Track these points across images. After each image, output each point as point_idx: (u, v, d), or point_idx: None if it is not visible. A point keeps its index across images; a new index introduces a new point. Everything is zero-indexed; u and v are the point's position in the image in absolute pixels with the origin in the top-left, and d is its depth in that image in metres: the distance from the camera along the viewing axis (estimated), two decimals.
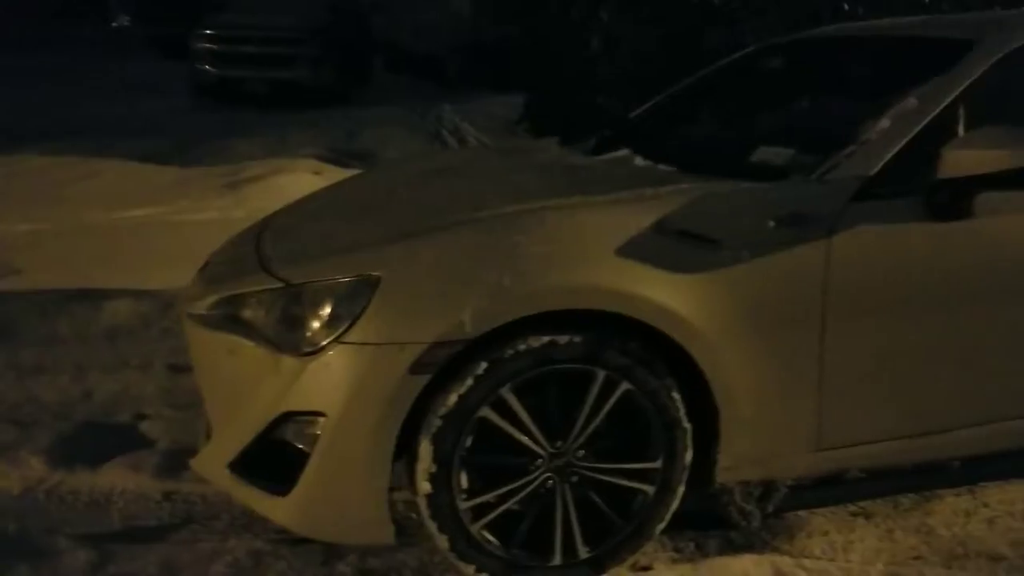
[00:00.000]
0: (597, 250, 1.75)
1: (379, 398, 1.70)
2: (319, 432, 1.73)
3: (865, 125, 2.01)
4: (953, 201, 1.90)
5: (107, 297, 3.65)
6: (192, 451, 2.40)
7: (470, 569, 1.83)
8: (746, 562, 1.93)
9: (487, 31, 11.32)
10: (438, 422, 1.72)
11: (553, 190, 2.06)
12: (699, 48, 7.19)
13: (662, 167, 2.20)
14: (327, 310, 1.76)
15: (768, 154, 2.11)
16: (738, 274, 1.80)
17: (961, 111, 1.97)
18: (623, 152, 2.42)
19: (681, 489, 1.90)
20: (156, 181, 6.33)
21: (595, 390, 1.78)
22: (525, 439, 1.78)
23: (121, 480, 2.36)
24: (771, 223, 1.83)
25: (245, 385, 1.87)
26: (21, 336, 3.34)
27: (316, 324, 1.76)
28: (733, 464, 1.91)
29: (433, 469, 1.74)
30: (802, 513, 2.14)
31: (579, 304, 1.73)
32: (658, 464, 1.87)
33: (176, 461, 2.41)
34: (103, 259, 4.46)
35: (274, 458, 1.82)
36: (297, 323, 1.79)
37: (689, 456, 1.88)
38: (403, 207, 2.27)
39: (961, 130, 1.96)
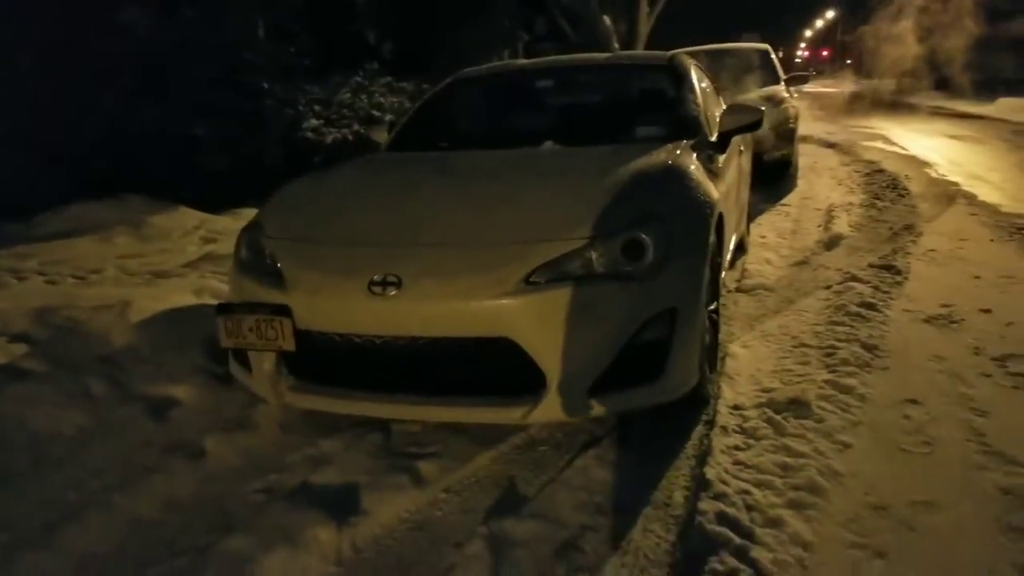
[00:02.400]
0: None
1: (704, 284, 2.70)
2: (668, 325, 2.58)
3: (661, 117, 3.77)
4: (721, 141, 3.83)
5: None
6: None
7: None
8: None
9: None
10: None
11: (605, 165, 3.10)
12: None
13: (594, 147, 3.46)
14: (651, 244, 2.57)
15: (642, 132, 3.63)
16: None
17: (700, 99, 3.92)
18: (549, 143, 3.54)
19: None
20: None
21: None
22: None
23: None
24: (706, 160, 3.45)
25: (597, 321, 2.48)
26: None
27: (647, 256, 2.55)
28: None
29: None
30: None
31: None
32: None
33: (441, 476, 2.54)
34: None
35: (633, 362, 2.54)
36: (631, 259, 2.55)
37: None
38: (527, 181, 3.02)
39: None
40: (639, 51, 5.89)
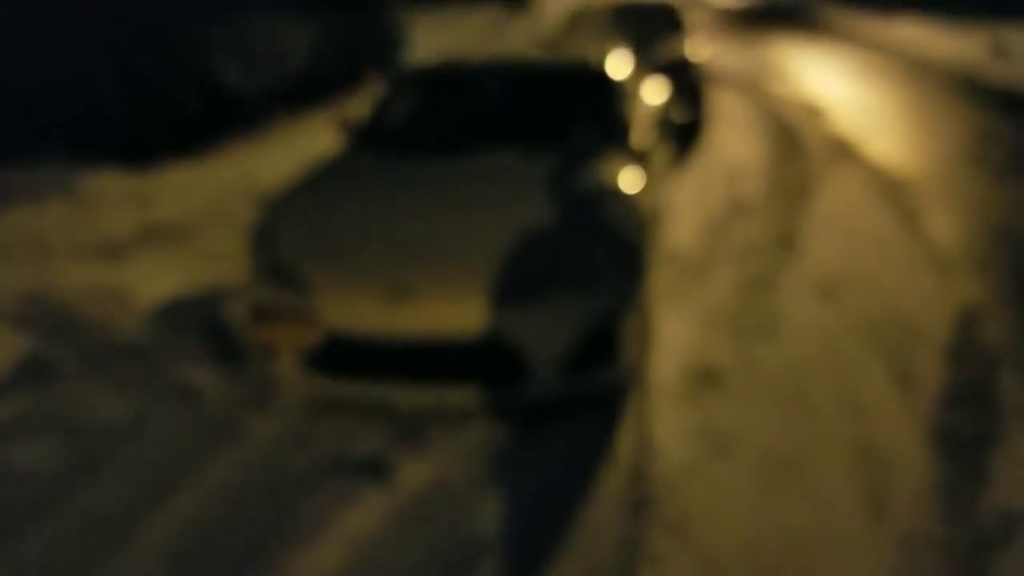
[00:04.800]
0: None
1: (639, 286, 3.78)
2: (614, 322, 3.66)
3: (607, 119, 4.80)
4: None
5: None
6: None
7: None
8: None
9: None
10: None
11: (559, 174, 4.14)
12: None
13: (546, 158, 4.47)
14: (600, 263, 3.63)
15: (585, 141, 4.66)
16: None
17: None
18: (510, 154, 4.51)
19: None
20: None
21: None
22: None
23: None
24: (638, 170, 4.50)
25: (565, 324, 3.53)
26: None
27: (598, 273, 3.60)
28: None
29: None
30: None
31: None
32: None
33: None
34: None
35: (591, 351, 3.62)
36: (588, 274, 3.60)
37: None
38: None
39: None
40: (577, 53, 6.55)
